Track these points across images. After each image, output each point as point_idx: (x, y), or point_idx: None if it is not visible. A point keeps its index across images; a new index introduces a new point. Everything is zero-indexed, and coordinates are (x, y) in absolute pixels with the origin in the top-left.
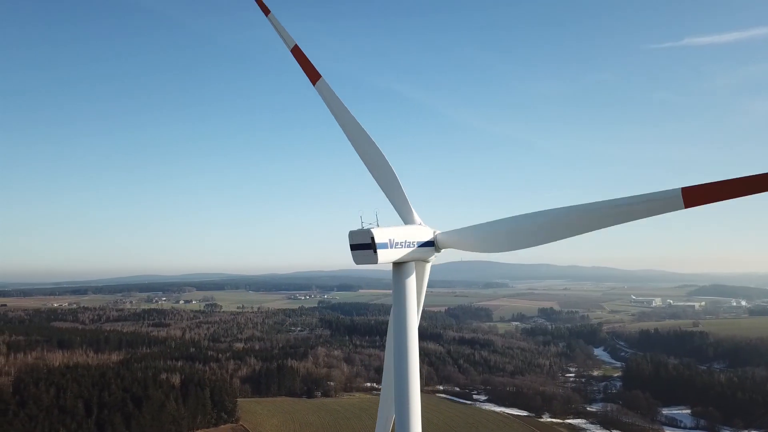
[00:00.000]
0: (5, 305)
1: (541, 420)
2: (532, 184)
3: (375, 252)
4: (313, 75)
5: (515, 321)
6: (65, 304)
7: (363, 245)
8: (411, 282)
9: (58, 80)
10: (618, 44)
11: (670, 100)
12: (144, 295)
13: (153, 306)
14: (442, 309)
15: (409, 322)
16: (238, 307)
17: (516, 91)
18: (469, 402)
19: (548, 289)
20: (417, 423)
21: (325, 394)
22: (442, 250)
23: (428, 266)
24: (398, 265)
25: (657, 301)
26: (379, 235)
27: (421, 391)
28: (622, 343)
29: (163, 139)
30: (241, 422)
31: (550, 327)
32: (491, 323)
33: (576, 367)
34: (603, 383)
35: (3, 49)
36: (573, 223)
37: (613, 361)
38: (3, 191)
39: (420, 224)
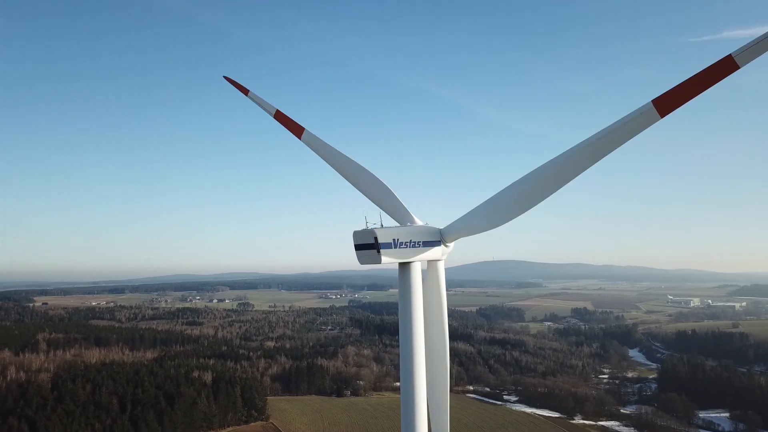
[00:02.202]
0: (46, 303)
1: (573, 422)
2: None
3: (378, 252)
4: (298, 131)
5: (548, 321)
6: (103, 303)
7: (367, 245)
8: (417, 282)
9: (89, 81)
10: (655, 39)
11: (708, 95)
12: (179, 294)
13: (187, 305)
14: (473, 309)
15: (414, 322)
16: (270, 306)
17: (549, 89)
18: (499, 402)
19: (582, 288)
20: (423, 423)
21: (355, 393)
22: (452, 244)
23: (441, 265)
24: (404, 265)
25: (695, 302)
26: (383, 235)
27: (451, 391)
28: (658, 344)
29: (196, 141)
30: (271, 420)
31: (583, 327)
32: (523, 323)
33: (610, 369)
34: (638, 385)
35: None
36: (565, 170)
37: (649, 362)
38: (47, 195)
39: (424, 224)
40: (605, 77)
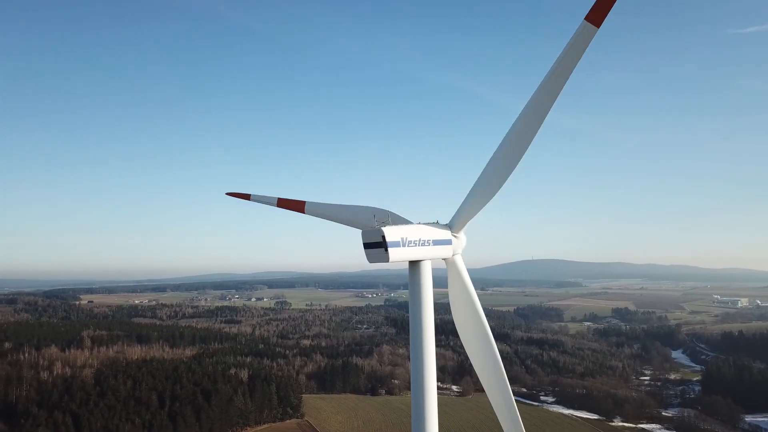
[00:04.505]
0: (92, 301)
1: (612, 424)
2: (605, 180)
3: (386, 251)
4: (300, 207)
5: (587, 321)
6: (145, 301)
7: (375, 244)
8: (427, 281)
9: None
10: (698, 31)
11: (757, 88)
12: (218, 292)
13: (226, 303)
14: (511, 309)
15: (425, 321)
16: (306, 305)
17: (591, 84)
18: (536, 403)
19: (623, 288)
20: (434, 423)
21: (389, 392)
22: (463, 236)
23: (459, 260)
24: (414, 264)
25: (743, 302)
26: (391, 234)
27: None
28: (702, 346)
29: (229, 144)
30: (306, 418)
31: (624, 328)
32: (562, 323)
33: (651, 370)
34: (680, 387)
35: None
36: (530, 118)
37: (693, 364)
38: (94, 197)
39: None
40: (648, 72)
